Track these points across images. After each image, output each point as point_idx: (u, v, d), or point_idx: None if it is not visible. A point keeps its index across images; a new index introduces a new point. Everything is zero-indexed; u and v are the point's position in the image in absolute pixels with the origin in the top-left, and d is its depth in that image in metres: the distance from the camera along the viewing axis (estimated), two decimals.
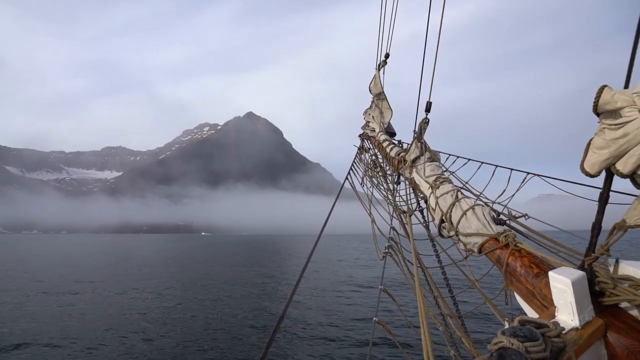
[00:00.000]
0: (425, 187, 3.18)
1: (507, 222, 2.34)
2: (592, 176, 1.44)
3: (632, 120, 1.28)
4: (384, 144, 5.07)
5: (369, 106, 6.60)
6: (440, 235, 2.80)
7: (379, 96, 6.15)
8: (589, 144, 1.45)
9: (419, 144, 3.48)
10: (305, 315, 18.54)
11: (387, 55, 5.97)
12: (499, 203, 2.75)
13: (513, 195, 2.81)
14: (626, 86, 1.33)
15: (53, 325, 17.02)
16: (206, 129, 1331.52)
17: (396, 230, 3.38)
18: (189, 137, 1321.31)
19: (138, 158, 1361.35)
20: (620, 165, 1.34)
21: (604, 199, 1.43)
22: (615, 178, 1.41)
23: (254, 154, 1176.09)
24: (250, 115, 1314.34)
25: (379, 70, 6.09)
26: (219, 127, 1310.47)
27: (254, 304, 21.56)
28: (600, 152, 1.39)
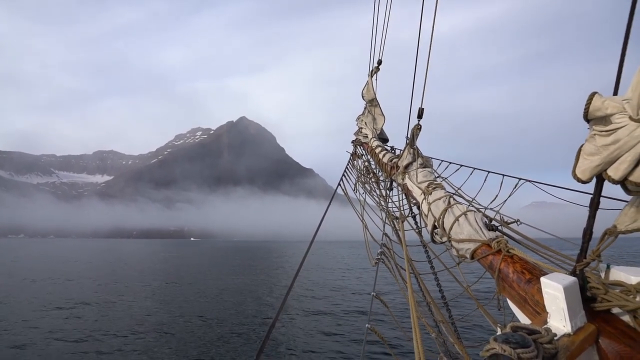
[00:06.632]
0: (417, 193, 3.18)
1: (500, 228, 2.33)
2: (583, 182, 1.44)
3: (622, 127, 1.28)
4: (377, 150, 5.08)
5: (361, 112, 6.63)
6: (433, 241, 2.79)
7: (372, 102, 6.19)
8: (579, 151, 1.45)
9: (412, 150, 3.49)
10: (297, 322, 18.37)
11: (379, 62, 6.02)
12: (491, 209, 2.74)
13: (505, 201, 2.82)
14: (615, 93, 1.33)
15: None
16: (199, 133, 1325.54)
17: (389, 237, 3.37)
18: (181, 141, 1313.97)
19: (130, 162, 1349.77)
20: (612, 172, 1.33)
21: (594, 205, 1.43)
22: (606, 184, 1.40)
23: (247, 158, 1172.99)
24: (243, 119, 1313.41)
25: (371, 76, 6.14)
26: (212, 131, 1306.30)
27: (244, 311, 21.35)
28: (591, 159, 1.39)
